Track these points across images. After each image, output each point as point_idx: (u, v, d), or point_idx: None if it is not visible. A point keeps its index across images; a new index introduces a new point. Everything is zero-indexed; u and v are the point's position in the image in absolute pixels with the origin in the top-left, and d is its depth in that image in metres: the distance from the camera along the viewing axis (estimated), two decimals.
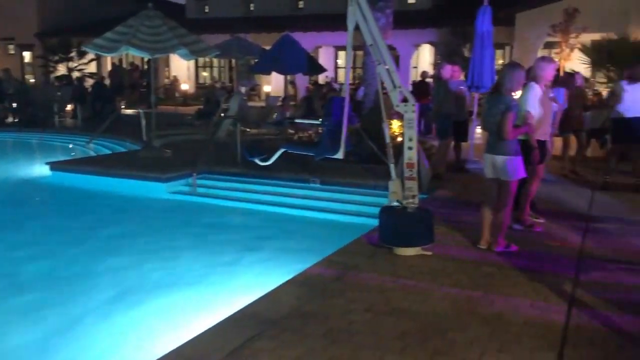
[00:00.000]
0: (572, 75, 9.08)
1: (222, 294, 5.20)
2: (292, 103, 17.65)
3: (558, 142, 8.44)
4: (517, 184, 5.15)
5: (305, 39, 17.00)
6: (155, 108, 11.57)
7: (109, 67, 25.77)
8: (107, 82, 21.33)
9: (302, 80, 21.68)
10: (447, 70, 8.86)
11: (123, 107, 20.25)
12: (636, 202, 7.18)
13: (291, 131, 13.26)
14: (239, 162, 9.23)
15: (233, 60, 21.98)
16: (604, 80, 14.64)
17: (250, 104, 18.19)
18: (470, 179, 8.63)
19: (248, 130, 12.86)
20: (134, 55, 14.90)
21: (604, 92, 14.91)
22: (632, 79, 7.77)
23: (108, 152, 12.54)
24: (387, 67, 5.17)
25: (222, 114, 13.73)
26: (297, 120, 12.45)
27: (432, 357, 3.33)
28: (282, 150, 5.90)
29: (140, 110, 12.18)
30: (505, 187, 5.05)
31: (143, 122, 11.35)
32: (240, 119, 11.11)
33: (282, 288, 4.39)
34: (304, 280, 4.52)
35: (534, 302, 4.10)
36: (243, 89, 18.03)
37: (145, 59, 19.16)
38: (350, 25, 5.26)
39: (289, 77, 19.56)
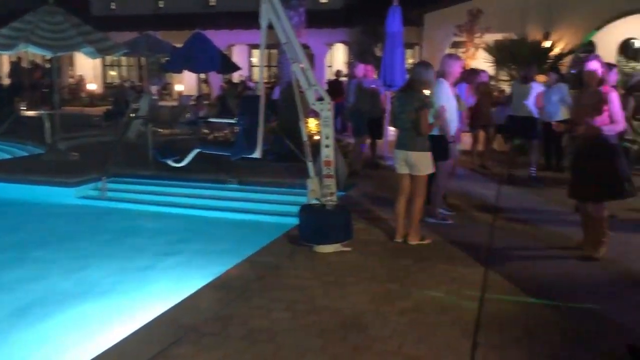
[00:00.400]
0: (474, 71, 9.49)
1: (138, 302, 4.99)
2: (205, 102, 17.32)
3: (465, 137, 8.81)
4: (428, 178, 5.33)
5: (218, 37, 16.69)
6: (60, 109, 10.96)
7: (6, 66, 24.12)
8: (6, 81, 19.96)
9: (215, 79, 21.33)
10: (360, 69, 9.02)
11: (24, 108, 19.03)
12: (537, 192, 7.63)
13: (206, 131, 13.00)
14: (151, 163, 8.92)
15: (142, 59, 21.26)
16: (507, 78, 15.50)
17: (162, 103, 17.68)
18: (385, 175, 8.82)
19: (160, 130, 12.47)
20: (35, 53, 14.07)
21: (507, 90, 15.79)
22: (526, 79, 8.26)
23: (8, 156, 11.72)
24: (302, 65, 5.18)
25: (132, 115, 13.22)
26: (212, 120, 12.22)
27: (353, 352, 3.37)
28: (197, 150, 5.77)
29: (43, 112, 11.50)
30: (419, 182, 5.21)
31: (46, 124, 10.72)
32: (151, 119, 10.76)
33: (201, 292, 4.29)
34: (223, 283, 4.44)
35: (448, 291, 4.25)
36: (154, 88, 17.49)
37: (47, 57, 18.15)
38: (264, 23, 5.22)
39: (202, 76, 19.18)
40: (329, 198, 5.18)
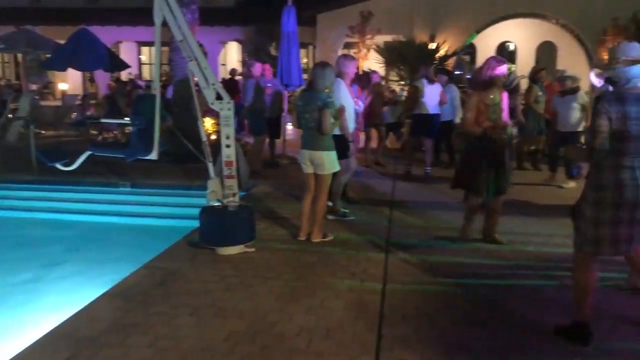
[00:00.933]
0: (367, 74, 9.75)
1: (26, 317, 4.64)
2: (92, 102, 16.46)
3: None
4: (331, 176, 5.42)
5: (104, 34, 15.92)
6: None
7: None
8: None
9: (102, 77, 20.32)
10: (258, 68, 8.98)
11: None
12: (430, 187, 8.02)
13: (94, 132, 12.35)
14: (35, 168, 8.32)
15: (19, 55, 19.75)
16: (397, 78, 16.13)
17: (44, 103, 16.55)
18: (285, 174, 8.87)
19: (43, 132, 11.67)
20: None
21: (397, 89, 16.42)
22: (429, 80, 8.64)
23: None
24: (199, 64, 5.06)
25: (11, 115, 12.26)
26: (103, 120, 11.62)
27: (261, 352, 3.35)
28: (88, 153, 5.43)
29: None
30: (322, 180, 5.29)
31: None
32: (32, 120, 10.01)
33: (98, 302, 4.06)
34: (122, 291, 4.23)
35: (352, 287, 4.35)
36: (34, 87, 16.30)
37: None
38: (158, 20, 5.04)
39: (87, 74, 18.22)
40: (231, 199, 5.11)
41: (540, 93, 8.95)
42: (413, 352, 3.37)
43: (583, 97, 7.84)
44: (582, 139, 7.51)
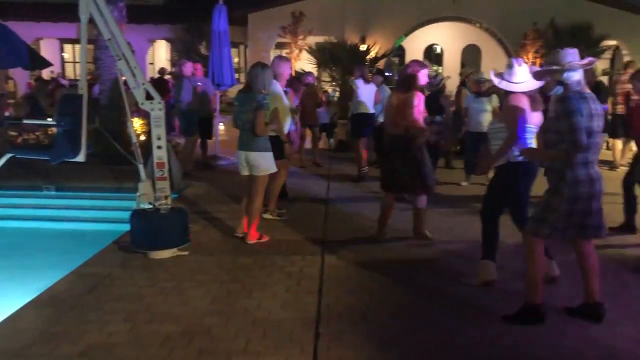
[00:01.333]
0: (298, 77, 9.75)
1: None
2: (11, 101, 15.61)
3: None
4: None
5: (23, 30, 15.08)
6: None
7: None
8: None
9: (21, 76, 19.32)
10: (189, 68, 8.84)
11: None
12: (363, 186, 8.16)
13: (13, 133, 11.71)
14: None
15: None
16: (329, 79, 16.30)
17: None
18: (218, 175, 8.78)
19: None
20: None
21: (330, 90, 16.58)
22: (365, 80, 8.77)
23: None
24: (128, 62, 4.92)
25: None
26: (25, 121, 11.02)
27: (198, 356, 3.31)
28: (10, 155, 5.16)
29: None
30: (257, 182, 5.29)
31: None
32: None
33: (22, 311, 3.87)
34: (50, 299, 4.06)
35: (289, 287, 4.37)
36: None
37: None
38: (84, 17, 4.86)
39: (5, 72, 17.23)
40: (163, 201, 5.01)
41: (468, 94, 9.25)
42: (350, 349, 3.43)
43: (495, 99, 8.09)
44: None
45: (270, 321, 3.76)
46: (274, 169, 5.38)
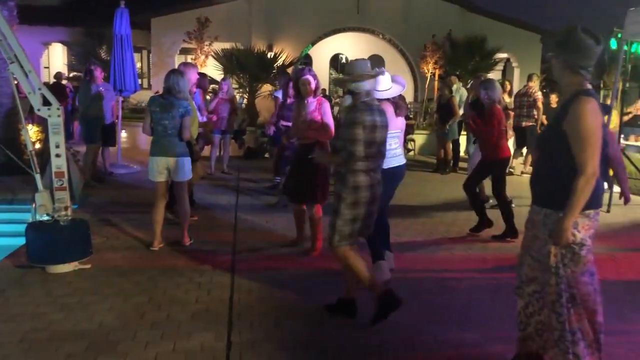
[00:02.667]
0: (203, 75, 9.60)
1: None
2: None
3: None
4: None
5: None
6: None
7: None
8: None
9: None
10: (99, 72, 8.44)
11: None
12: (271, 194, 8.15)
13: None
14: None
15: None
16: (236, 85, 16.18)
17: None
18: (122, 183, 8.45)
19: None
20: None
21: (237, 97, 16.45)
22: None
23: None
24: (22, 66, 4.64)
25: None
26: None
27: None
28: None
29: None
30: (181, 187, 5.37)
31: None
32: None
33: None
34: None
35: (199, 297, 4.28)
36: None
37: None
38: None
39: None
40: (62, 213, 4.75)
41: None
42: (263, 357, 3.41)
43: None
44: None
45: (180, 334, 3.67)
46: (191, 175, 5.44)
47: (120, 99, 10.31)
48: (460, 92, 11.18)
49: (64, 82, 14.69)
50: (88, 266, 4.78)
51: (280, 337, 3.69)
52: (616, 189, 8.26)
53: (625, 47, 7.61)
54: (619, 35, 7.48)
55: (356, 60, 3.84)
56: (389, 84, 4.51)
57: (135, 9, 14.78)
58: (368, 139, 3.55)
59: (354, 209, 3.65)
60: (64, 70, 18.84)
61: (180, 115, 5.14)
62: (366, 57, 13.02)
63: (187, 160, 5.31)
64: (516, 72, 19.93)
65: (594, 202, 2.79)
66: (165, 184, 5.33)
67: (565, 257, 2.81)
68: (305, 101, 5.24)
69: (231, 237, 5.92)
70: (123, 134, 12.29)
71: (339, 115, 6.55)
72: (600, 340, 2.90)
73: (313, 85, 5.21)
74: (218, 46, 16.63)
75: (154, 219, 5.36)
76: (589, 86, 2.80)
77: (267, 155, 11.31)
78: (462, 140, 11.16)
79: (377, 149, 3.66)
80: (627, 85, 9.21)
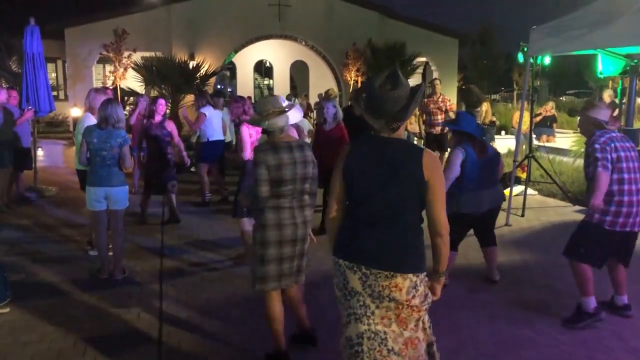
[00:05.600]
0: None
1: None
2: None
3: None
4: None
5: None
6: None
7: None
8: None
9: None
10: (3, 94, 8.03)
11: None
12: (204, 213, 8.07)
13: None
14: None
15: None
16: (158, 97, 15.79)
17: None
18: (40, 211, 8.10)
19: None
20: None
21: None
22: (213, 106, 8.66)
23: None
24: None
25: None
26: None
27: None
28: None
29: None
30: (120, 215, 5.40)
31: None
32: None
33: None
34: None
35: (126, 336, 4.19)
36: None
37: None
38: None
39: None
40: None
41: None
42: None
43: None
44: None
45: None
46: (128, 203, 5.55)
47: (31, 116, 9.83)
48: None
49: None
50: (5, 311, 4.55)
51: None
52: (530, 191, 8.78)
53: (532, 60, 8.11)
54: (525, 49, 7.94)
55: (265, 97, 3.91)
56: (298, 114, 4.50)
57: (47, 19, 14.19)
58: (275, 177, 3.44)
59: (262, 249, 3.53)
60: None
61: (119, 145, 5.19)
62: (290, 63, 13.12)
63: (126, 189, 5.41)
64: (435, 75, 20.63)
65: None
66: (105, 212, 5.37)
67: None
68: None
69: (158, 263, 5.74)
70: (40, 153, 11.75)
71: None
72: None
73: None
74: (139, 55, 16.17)
75: (99, 246, 5.47)
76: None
77: (193, 169, 11.15)
78: None
79: (294, 187, 3.54)
80: (539, 83, 9.79)
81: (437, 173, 2.62)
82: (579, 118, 4.65)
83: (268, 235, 3.50)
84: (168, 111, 15.71)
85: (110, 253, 5.48)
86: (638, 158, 4.33)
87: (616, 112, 13.38)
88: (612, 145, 4.19)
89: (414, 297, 2.64)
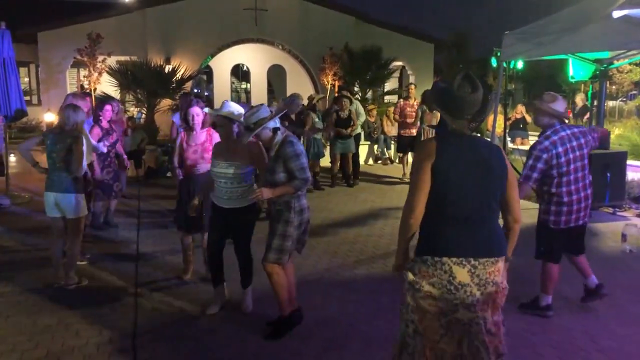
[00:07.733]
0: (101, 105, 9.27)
1: None
2: None
3: None
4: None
5: None
6: None
7: None
8: None
9: None
10: None
11: None
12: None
13: None
14: None
15: None
16: (133, 101, 15.66)
17: None
18: (10, 218, 7.96)
19: None
20: None
21: (135, 113, 15.97)
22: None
23: None
24: None
25: None
26: None
27: None
28: None
29: None
30: (75, 224, 5.19)
31: None
32: None
33: None
34: None
35: (100, 346, 4.13)
36: None
37: None
38: None
39: None
40: None
41: (317, 120, 10.06)
42: None
43: None
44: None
45: None
46: (86, 211, 5.38)
47: (2, 125, 9.68)
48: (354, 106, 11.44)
49: None
50: None
51: None
52: None
53: (505, 64, 8.25)
54: (499, 54, 8.07)
55: (252, 110, 4.19)
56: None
57: (18, 23, 13.97)
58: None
59: (298, 229, 4.14)
60: None
61: (67, 147, 5.03)
62: (267, 67, 13.22)
63: (76, 196, 5.13)
64: (412, 79, 20.78)
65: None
66: (60, 220, 5.21)
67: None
68: (194, 132, 5.37)
69: (132, 271, 5.73)
70: (12, 159, 11.55)
71: None
72: None
73: (201, 118, 5.37)
74: (114, 59, 15.98)
75: (52, 256, 5.30)
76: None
77: (169, 174, 11.08)
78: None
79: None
80: (514, 86, 9.95)
81: (510, 167, 2.87)
82: (536, 109, 4.73)
83: (304, 217, 4.16)
84: (143, 115, 15.65)
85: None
86: (584, 157, 4.50)
87: (587, 116, 13.72)
88: (554, 152, 4.37)
89: (503, 279, 2.83)
